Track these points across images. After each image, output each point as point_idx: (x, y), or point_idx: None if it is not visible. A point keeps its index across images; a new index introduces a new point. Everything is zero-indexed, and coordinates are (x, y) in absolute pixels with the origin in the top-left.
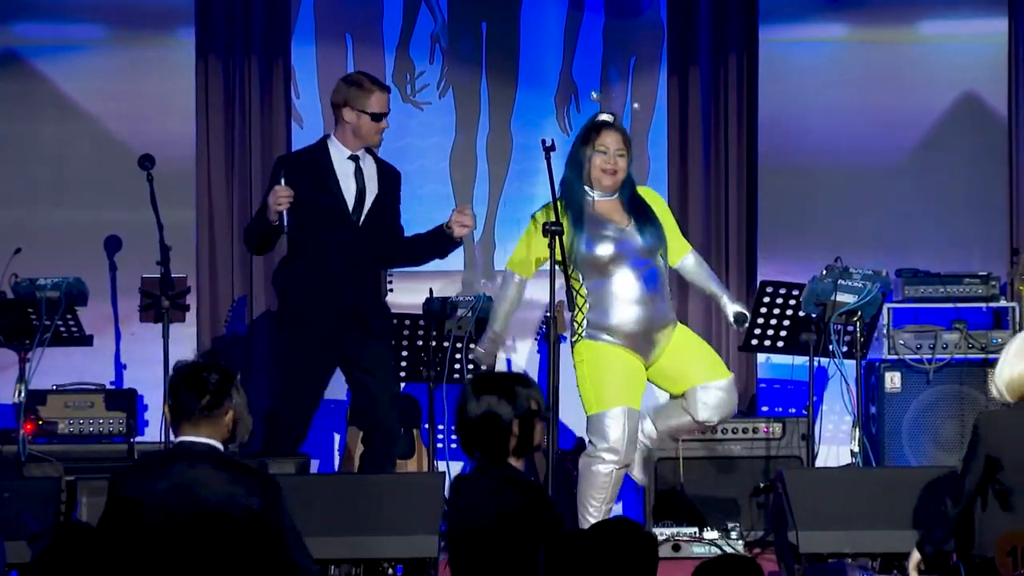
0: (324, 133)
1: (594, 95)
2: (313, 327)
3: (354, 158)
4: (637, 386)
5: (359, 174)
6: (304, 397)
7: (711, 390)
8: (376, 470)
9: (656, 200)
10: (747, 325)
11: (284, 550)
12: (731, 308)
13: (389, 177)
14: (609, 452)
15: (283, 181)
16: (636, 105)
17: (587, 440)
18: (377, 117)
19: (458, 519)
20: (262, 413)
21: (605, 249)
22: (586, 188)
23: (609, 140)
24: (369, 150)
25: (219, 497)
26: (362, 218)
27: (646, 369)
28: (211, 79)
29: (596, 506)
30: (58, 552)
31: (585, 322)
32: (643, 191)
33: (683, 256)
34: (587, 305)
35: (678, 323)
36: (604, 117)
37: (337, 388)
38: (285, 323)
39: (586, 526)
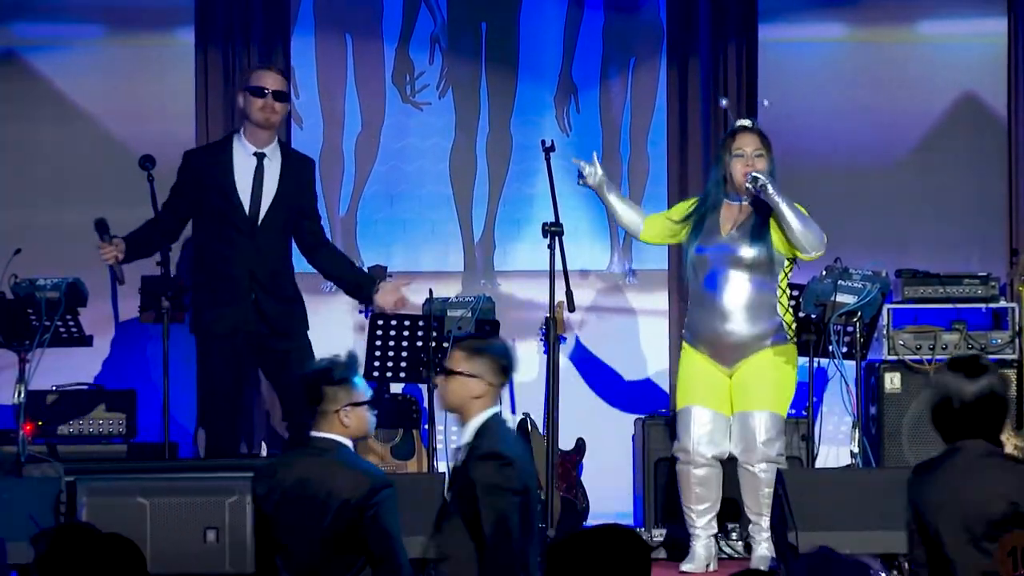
0: (322, 133)
1: (724, 102)
2: (217, 331)
3: (259, 155)
4: (720, 392)
5: (259, 172)
6: (220, 405)
7: (739, 420)
8: None
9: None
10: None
11: (391, 545)
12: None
13: (296, 172)
14: (681, 451)
15: (106, 239)
16: (767, 102)
17: None
18: (256, 91)
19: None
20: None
21: (710, 254)
22: (728, 192)
23: (746, 142)
24: (283, 146)
25: (336, 489)
26: (260, 218)
27: (729, 379)
28: (211, 78)
29: (690, 507)
30: (60, 553)
31: (687, 324)
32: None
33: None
34: (690, 306)
35: (781, 344)
36: (742, 122)
37: None
38: (196, 328)
39: (689, 527)
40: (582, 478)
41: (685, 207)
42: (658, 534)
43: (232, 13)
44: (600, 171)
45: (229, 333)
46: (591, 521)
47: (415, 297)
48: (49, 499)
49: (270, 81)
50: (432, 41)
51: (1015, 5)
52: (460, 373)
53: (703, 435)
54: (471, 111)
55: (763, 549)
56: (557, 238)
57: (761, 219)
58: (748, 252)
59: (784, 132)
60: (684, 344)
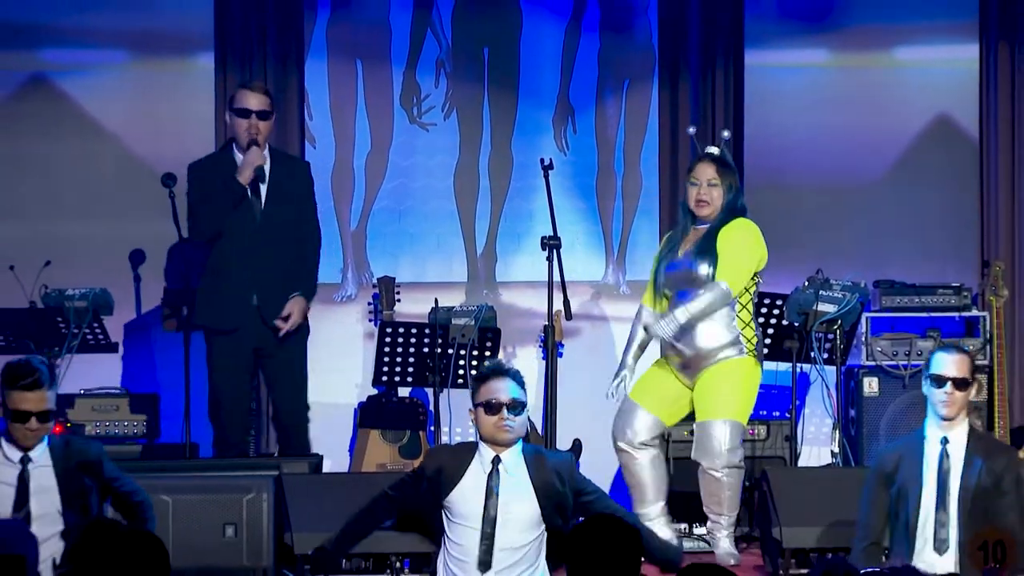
0: (334, 152)
1: (691, 130)
2: (222, 324)
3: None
4: (667, 401)
5: (253, 182)
6: (224, 402)
7: (700, 429)
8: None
9: (734, 230)
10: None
11: None
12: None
13: (287, 175)
14: (625, 443)
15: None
16: (727, 133)
17: None
18: (242, 112)
19: None
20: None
21: (665, 275)
22: (692, 221)
23: (701, 172)
24: (274, 151)
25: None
26: (257, 220)
27: (691, 391)
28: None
29: (634, 498)
30: (88, 547)
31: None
32: (735, 224)
33: (716, 280)
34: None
35: (738, 357)
36: (709, 150)
37: (346, 392)
38: (202, 320)
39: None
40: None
41: (662, 246)
42: None
43: (249, 39)
44: (623, 386)
45: (231, 331)
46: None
47: (421, 307)
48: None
49: (254, 102)
50: (438, 65)
51: (986, 32)
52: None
53: (621, 424)
54: (474, 131)
55: (725, 544)
56: (555, 251)
57: (712, 240)
58: (704, 270)
59: (769, 151)
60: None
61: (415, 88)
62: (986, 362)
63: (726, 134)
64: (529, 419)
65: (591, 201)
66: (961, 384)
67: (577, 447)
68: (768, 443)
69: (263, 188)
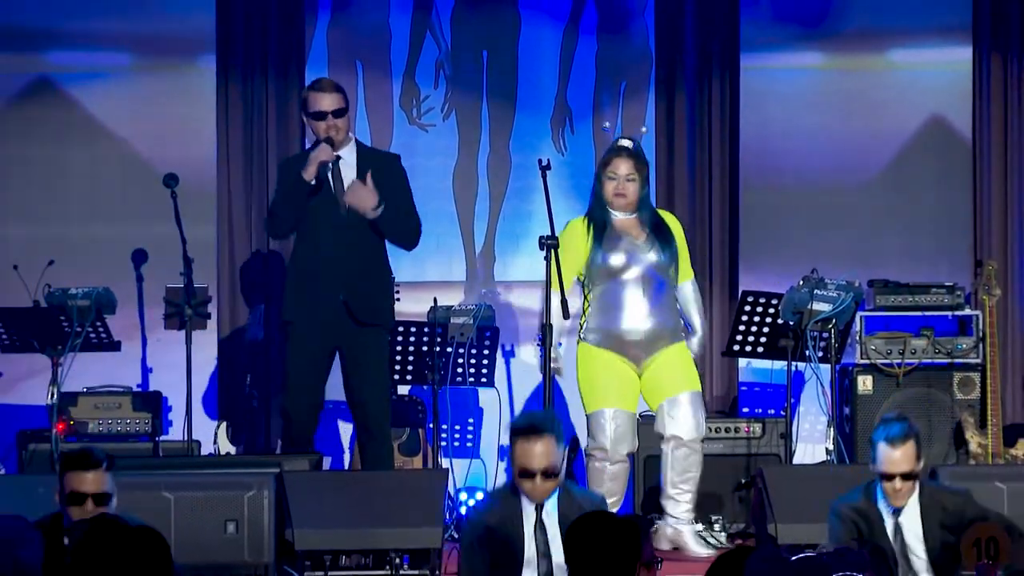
0: None
1: (607, 124)
2: (307, 320)
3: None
4: (630, 390)
5: (336, 173)
6: (302, 392)
7: (675, 403)
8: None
9: (675, 225)
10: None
11: None
12: (693, 347)
13: (375, 171)
14: (599, 450)
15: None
16: (644, 129)
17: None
18: (318, 116)
19: None
20: (279, 413)
21: (618, 259)
22: (606, 208)
23: (619, 167)
24: (361, 145)
25: None
26: (343, 217)
27: (639, 378)
28: (231, 103)
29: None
30: (92, 544)
31: (586, 326)
32: (665, 215)
33: (684, 282)
34: (590, 309)
35: (681, 341)
36: (621, 143)
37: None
38: (288, 316)
39: None
40: (576, 473)
41: (576, 234)
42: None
43: (251, 43)
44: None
45: (316, 322)
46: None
47: (420, 306)
48: None
49: (327, 102)
50: (437, 68)
51: (978, 35)
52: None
53: (617, 436)
54: (473, 133)
55: (695, 542)
56: (553, 251)
57: (665, 227)
58: (654, 257)
59: (764, 153)
60: (585, 347)
61: (414, 90)
62: (979, 360)
63: (644, 129)
64: None
65: (588, 202)
66: (909, 477)
67: (574, 444)
68: (763, 441)
69: (346, 185)
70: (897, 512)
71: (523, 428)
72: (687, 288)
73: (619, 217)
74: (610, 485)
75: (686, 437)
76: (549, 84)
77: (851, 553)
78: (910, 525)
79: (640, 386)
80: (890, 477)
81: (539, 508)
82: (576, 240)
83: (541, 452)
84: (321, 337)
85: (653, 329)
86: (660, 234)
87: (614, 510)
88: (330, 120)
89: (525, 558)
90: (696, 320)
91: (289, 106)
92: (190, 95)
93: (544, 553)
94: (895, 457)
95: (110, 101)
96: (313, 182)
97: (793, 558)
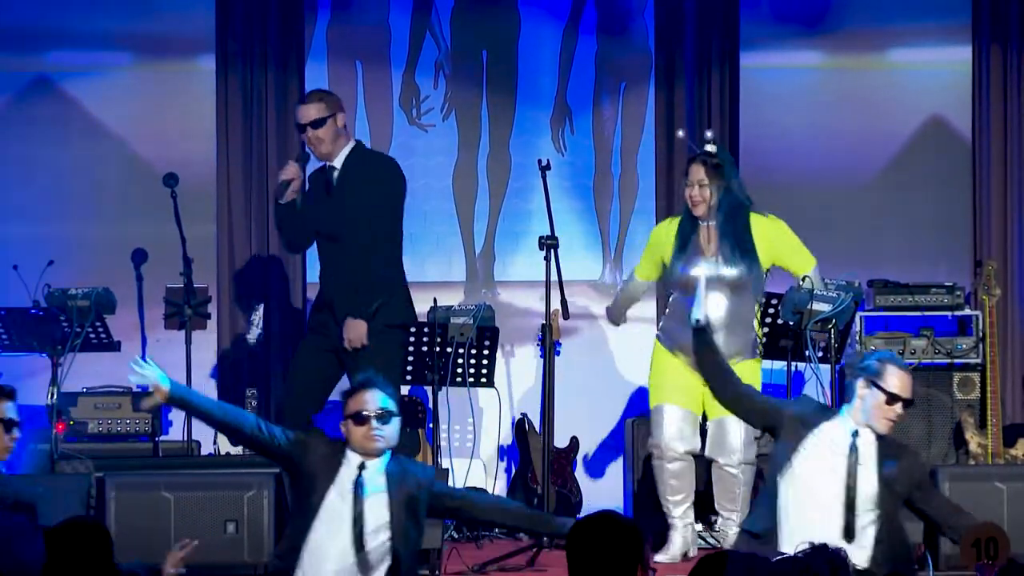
0: None
1: (680, 133)
2: (310, 321)
3: (329, 168)
4: (692, 391)
5: (328, 185)
6: (297, 388)
7: (720, 426)
8: None
9: (771, 228)
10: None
11: None
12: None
13: (354, 177)
14: (655, 447)
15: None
16: (709, 134)
17: None
18: (299, 128)
19: None
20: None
21: (688, 272)
22: (694, 218)
23: (692, 173)
24: (357, 150)
25: None
26: (326, 224)
27: (703, 385)
28: (230, 102)
29: (668, 498)
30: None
31: (661, 327)
32: (758, 220)
33: (805, 272)
34: (667, 312)
35: (753, 358)
36: (707, 148)
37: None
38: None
39: (668, 518)
40: (576, 473)
41: (663, 233)
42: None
43: (250, 42)
44: None
45: (316, 322)
46: (583, 512)
47: (420, 306)
48: (80, 493)
49: (303, 115)
50: (437, 67)
51: (978, 34)
52: None
53: (675, 432)
54: (473, 132)
55: (734, 536)
56: (553, 250)
57: (744, 239)
58: (730, 272)
59: (764, 152)
60: (659, 345)
61: (414, 89)
62: (979, 360)
63: (709, 134)
64: (527, 418)
65: (588, 201)
66: (910, 404)
67: (574, 445)
68: (764, 440)
69: (335, 200)
70: (856, 434)
71: (360, 383)
72: (811, 275)
73: (705, 225)
74: (672, 483)
75: (722, 461)
76: (549, 84)
77: (829, 552)
78: (866, 452)
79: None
80: (897, 400)
81: (361, 467)
82: (659, 244)
83: (374, 398)
84: (318, 344)
85: (721, 348)
86: (738, 245)
87: (681, 509)
88: (309, 132)
89: (323, 506)
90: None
91: (289, 105)
92: (190, 95)
93: (358, 515)
94: (908, 381)
95: (110, 101)
96: (284, 202)
97: (773, 559)
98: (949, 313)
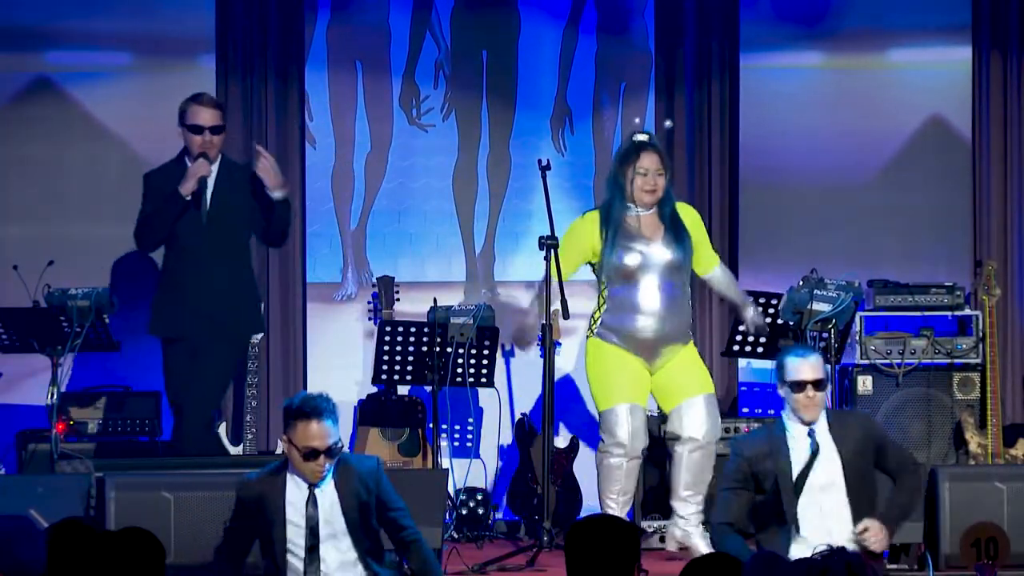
0: (334, 153)
1: (668, 123)
2: (179, 331)
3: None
4: (642, 386)
5: (201, 193)
6: (183, 409)
7: (692, 405)
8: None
9: (690, 215)
10: (765, 335)
11: None
12: (752, 316)
13: (231, 184)
14: (616, 447)
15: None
16: (669, 122)
17: (599, 436)
18: (195, 129)
19: None
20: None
21: (632, 259)
22: (628, 204)
23: (648, 162)
24: (225, 161)
25: None
26: (203, 231)
27: (650, 376)
28: (230, 103)
29: (613, 497)
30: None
31: (600, 322)
32: (680, 207)
33: (713, 267)
34: (605, 307)
35: (691, 342)
36: (641, 137)
37: (346, 390)
38: (157, 334)
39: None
40: (575, 473)
41: (589, 226)
42: (647, 525)
43: (250, 42)
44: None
45: (178, 328)
46: (583, 512)
47: (420, 306)
48: (80, 493)
49: (206, 117)
50: (437, 68)
51: (978, 34)
52: None
53: (637, 428)
54: (473, 132)
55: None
56: (552, 250)
57: (681, 225)
58: (669, 256)
59: (764, 152)
60: (599, 343)
61: (414, 90)
62: (978, 360)
63: (669, 123)
64: (527, 418)
65: (588, 201)
66: (820, 385)
67: (574, 445)
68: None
69: (208, 198)
70: (812, 432)
71: (304, 410)
72: (718, 273)
73: (637, 214)
74: (626, 483)
75: (703, 439)
76: (549, 84)
77: (847, 555)
78: (824, 440)
79: (651, 384)
80: (802, 385)
81: (311, 485)
82: (585, 238)
83: (322, 433)
84: (189, 350)
85: (666, 330)
86: (676, 230)
87: (626, 509)
88: (207, 136)
89: (288, 537)
90: (740, 295)
91: (289, 106)
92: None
93: (325, 522)
94: (805, 365)
95: (110, 101)
96: (189, 197)
97: (791, 559)
98: (949, 313)
